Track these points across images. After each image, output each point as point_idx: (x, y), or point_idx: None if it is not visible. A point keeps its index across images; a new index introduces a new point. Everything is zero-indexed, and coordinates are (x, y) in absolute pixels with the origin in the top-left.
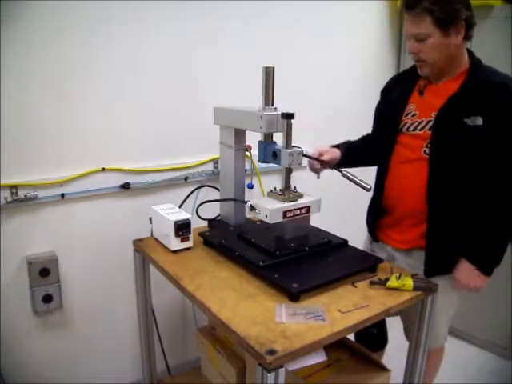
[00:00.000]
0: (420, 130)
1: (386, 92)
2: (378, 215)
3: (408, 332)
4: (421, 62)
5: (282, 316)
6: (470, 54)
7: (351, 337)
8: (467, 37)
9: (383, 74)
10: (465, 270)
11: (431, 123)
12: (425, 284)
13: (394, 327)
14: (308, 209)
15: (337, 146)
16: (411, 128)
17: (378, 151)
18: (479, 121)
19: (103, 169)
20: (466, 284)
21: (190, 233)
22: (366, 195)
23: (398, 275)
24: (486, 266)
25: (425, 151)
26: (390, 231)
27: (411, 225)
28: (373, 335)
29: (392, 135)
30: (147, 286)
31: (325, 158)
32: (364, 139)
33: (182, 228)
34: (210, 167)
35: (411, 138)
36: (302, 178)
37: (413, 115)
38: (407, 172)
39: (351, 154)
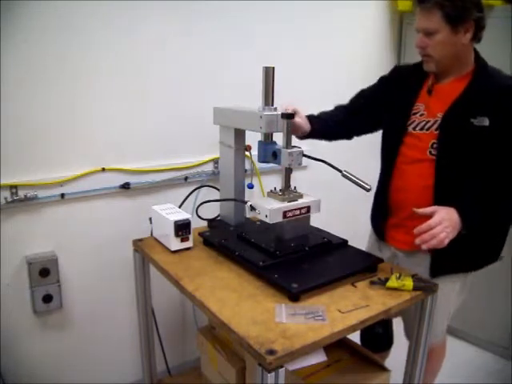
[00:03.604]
0: (427, 129)
1: (387, 83)
2: (384, 216)
3: (409, 332)
4: (427, 57)
5: (282, 316)
6: (477, 55)
7: (356, 339)
8: (476, 38)
9: (383, 73)
10: (449, 210)
11: (438, 123)
12: (425, 284)
13: (394, 327)
14: (308, 209)
15: (310, 118)
16: (418, 127)
17: (349, 129)
18: (486, 121)
19: (103, 169)
20: (441, 218)
21: (189, 233)
22: (366, 195)
23: (397, 275)
24: (469, 223)
25: (430, 152)
26: (395, 232)
27: (417, 226)
28: (378, 335)
29: (399, 135)
30: (147, 286)
31: (296, 120)
32: (336, 116)
33: (182, 228)
34: (210, 167)
35: (417, 138)
36: (302, 178)
37: (421, 115)
38: (413, 173)
39: (321, 131)
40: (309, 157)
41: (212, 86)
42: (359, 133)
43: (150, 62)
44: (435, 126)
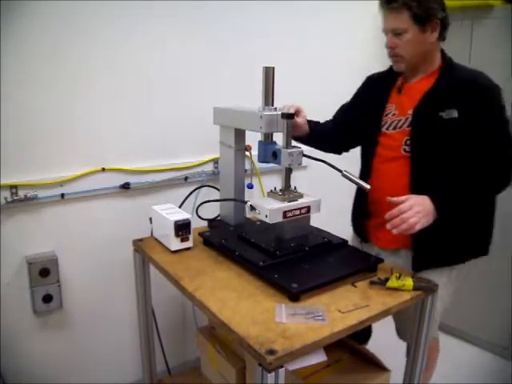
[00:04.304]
0: (399, 128)
1: (362, 94)
2: (364, 217)
3: (400, 332)
4: (397, 57)
5: (282, 316)
6: (443, 53)
7: None
8: (441, 37)
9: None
10: (423, 197)
11: (409, 120)
12: (425, 284)
13: (393, 327)
14: (308, 209)
15: (309, 122)
16: (391, 127)
17: (333, 143)
18: (454, 113)
19: (103, 169)
20: (413, 203)
21: (189, 233)
22: None
23: (397, 275)
24: (442, 210)
25: (404, 149)
26: (378, 232)
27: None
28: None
29: (374, 136)
30: (147, 286)
31: (297, 120)
32: (327, 128)
33: (182, 228)
34: (210, 167)
35: (391, 137)
36: (302, 178)
37: (393, 114)
38: (389, 171)
39: (315, 137)
40: (309, 157)
41: (212, 85)
42: (347, 147)
43: (149, 62)
44: (407, 124)
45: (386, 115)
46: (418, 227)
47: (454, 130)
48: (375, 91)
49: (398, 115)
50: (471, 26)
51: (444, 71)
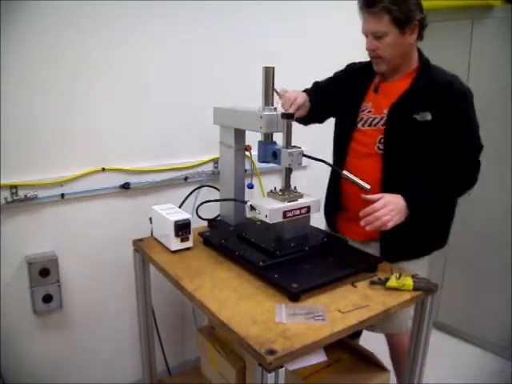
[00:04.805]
0: (374, 125)
1: (340, 80)
2: (336, 210)
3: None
4: (378, 59)
5: (282, 316)
6: (420, 53)
7: None
8: (420, 37)
9: None
10: (396, 196)
11: (384, 119)
12: (425, 284)
13: None
14: (308, 209)
15: (306, 92)
16: (366, 124)
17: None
18: (428, 116)
19: (103, 169)
20: (386, 201)
21: (189, 233)
22: None
23: (397, 275)
24: (415, 208)
25: (378, 147)
26: (349, 224)
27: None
28: None
29: (349, 131)
30: (147, 286)
31: (297, 114)
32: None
33: (182, 228)
34: (210, 167)
35: (366, 134)
36: (302, 178)
37: (368, 111)
38: (363, 167)
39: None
40: (309, 157)
41: (212, 85)
42: (315, 122)
43: (149, 62)
44: (382, 122)
45: (362, 111)
46: (391, 225)
47: (426, 132)
48: (352, 85)
49: (373, 113)
50: (471, 25)
51: (421, 72)
